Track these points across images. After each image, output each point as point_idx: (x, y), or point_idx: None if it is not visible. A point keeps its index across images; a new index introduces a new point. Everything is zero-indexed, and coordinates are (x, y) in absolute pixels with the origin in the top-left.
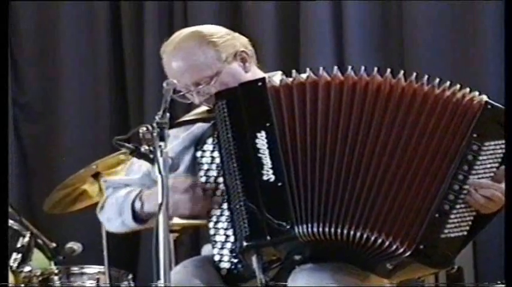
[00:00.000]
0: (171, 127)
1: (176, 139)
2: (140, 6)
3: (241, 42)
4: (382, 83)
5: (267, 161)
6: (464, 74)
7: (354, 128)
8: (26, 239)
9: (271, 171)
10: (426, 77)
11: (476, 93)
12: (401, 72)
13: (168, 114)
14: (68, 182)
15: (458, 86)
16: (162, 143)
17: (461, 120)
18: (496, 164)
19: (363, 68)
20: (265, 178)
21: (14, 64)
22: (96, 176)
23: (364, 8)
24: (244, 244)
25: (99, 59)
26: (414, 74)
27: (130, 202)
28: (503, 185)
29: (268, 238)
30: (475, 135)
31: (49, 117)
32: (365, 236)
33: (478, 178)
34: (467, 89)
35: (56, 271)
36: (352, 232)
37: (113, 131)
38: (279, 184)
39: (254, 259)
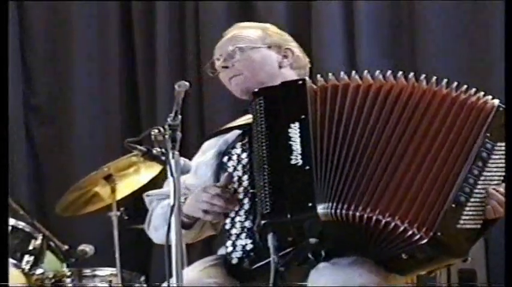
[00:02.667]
0: (207, 138)
1: (208, 150)
2: (151, 6)
3: (291, 43)
4: (404, 86)
5: (297, 148)
6: (475, 72)
7: (379, 123)
8: (38, 241)
9: (300, 156)
10: (445, 80)
11: (489, 97)
12: (423, 76)
13: (180, 117)
14: (80, 185)
15: (473, 89)
16: (174, 145)
17: (475, 120)
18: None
19: (389, 72)
20: (293, 162)
21: (26, 67)
22: (108, 178)
23: (375, 7)
24: (263, 221)
25: (110, 61)
26: (434, 78)
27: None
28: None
29: (289, 216)
30: (488, 134)
31: (61, 120)
32: (384, 220)
33: (491, 175)
34: (481, 93)
35: (68, 273)
36: (371, 215)
37: (125, 133)
38: (306, 167)
39: (270, 236)
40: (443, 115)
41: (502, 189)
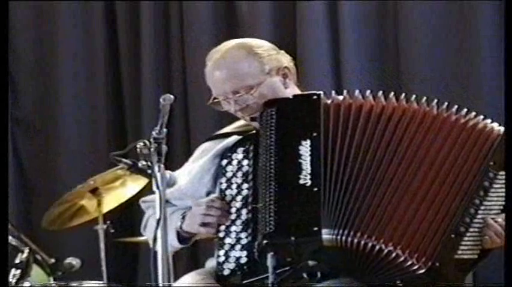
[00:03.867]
0: (206, 141)
1: (207, 153)
2: (136, 7)
3: (286, 59)
4: (417, 110)
5: (306, 167)
6: (461, 73)
7: (389, 149)
8: (25, 255)
9: (309, 176)
10: (455, 107)
11: (495, 124)
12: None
13: (165, 130)
14: (66, 198)
15: (481, 117)
16: (159, 158)
17: (480, 149)
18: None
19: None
20: (301, 181)
21: (10, 79)
22: (94, 191)
23: (360, 7)
24: (265, 241)
25: (96, 74)
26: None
27: (174, 224)
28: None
29: (293, 238)
30: (491, 163)
31: (46, 133)
32: (386, 249)
33: (491, 204)
34: (481, 117)
35: None
36: (375, 244)
37: (111, 146)
38: (315, 189)
39: (269, 256)
40: (450, 143)
41: (500, 219)
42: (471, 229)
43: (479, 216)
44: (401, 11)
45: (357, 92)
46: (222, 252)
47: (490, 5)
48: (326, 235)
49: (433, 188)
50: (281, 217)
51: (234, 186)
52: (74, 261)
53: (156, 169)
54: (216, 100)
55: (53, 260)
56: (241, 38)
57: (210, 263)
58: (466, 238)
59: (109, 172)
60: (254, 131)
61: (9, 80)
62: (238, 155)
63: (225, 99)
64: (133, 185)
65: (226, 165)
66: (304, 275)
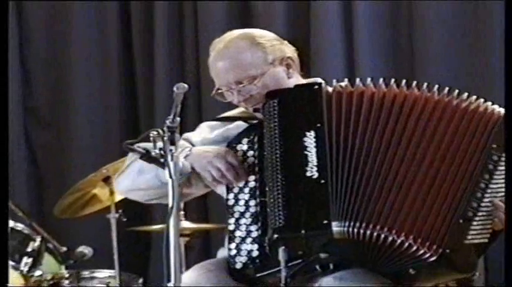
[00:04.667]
0: (213, 120)
1: (212, 131)
2: (150, 7)
3: (289, 49)
4: (419, 96)
5: (312, 159)
6: (475, 73)
7: (394, 136)
8: (37, 243)
9: (315, 168)
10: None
11: (495, 106)
12: (425, 84)
13: (178, 119)
14: (79, 187)
15: (474, 97)
16: (173, 147)
17: (483, 132)
18: None
19: (392, 80)
20: (308, 174)
21: (24, 70)
22: (107, 180)
23: (375, 7)
24: (276, 235)
25: (109, 63)
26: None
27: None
28: None
29: (303, 231)
30: (494, 145)
31: (59, 122)
32: (396, 239)
33: (497, 187)
34: (482, 100)
35: (67, 275)
36: (387, 235)
37: (123, 135)
38: (322, 181)
39: (281, 250)
40: (453, 129)
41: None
42: (479, 213)
43: (486, 199)
44: (415, 11)
45: (357, 80)
46: (233, 245)
47: (503, 3)
48: (336, 227)
49: (439, 175)
50: (290, 210)
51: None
52: (85, 250)
53: (169, 157)
54: (219, 91)
55: (64, 249)
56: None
57: (222, 253)
58: (474, 223)
59: (122, 160)
60: (258, 121)
61: (24, 71)
62: (244, 146)
63: (228, 89)
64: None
65: None
66: (317, 267)
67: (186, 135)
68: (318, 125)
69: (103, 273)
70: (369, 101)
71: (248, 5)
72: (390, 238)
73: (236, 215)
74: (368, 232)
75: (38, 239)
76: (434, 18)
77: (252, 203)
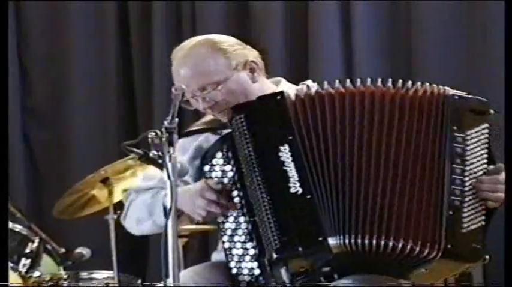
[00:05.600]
0: (180, 137)
1: (186, 151)
2: (148, 8)
3: (252, 53)
4: (375, 92)
5: (292, 174)
6: (473, 72)
7: (364, 135)
8: (35, 244)
9: (298, 183)
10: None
11: (440, 87)
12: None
13: (176, 120)
14: (77, 188)
15: (418, 83)
16: (171, 148)
17: (436, 115)
18: (485, 150)
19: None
20: (292, 190)
21: (23, 70)
22: (105, 181)
23: (373, 6)
24: (275, 256)
25: (108, 64)
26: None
27: (161, 201)
28: (501, 178)
29: (300, 249)
30: (454, 127)
31: (58, 123)
32: (396, 245)
33: (474, 167)
34: (427, 84)
35: (65, 276)
36: (383, 242)
37: (122, 136)
38: (308, 197)
39: (283, 271)
40: (410, 120)
41: (485, 177)
42: (466, 199)
43: (467, 183)
44: (413, 10)
45: (311, 83)
46: (232, 264)
47: (501, 3)
48: (332, 241)
49: (415, 172)
50: (283, 230)
51: (224, 193)
52: (84, 251)
53: (167, 158)
54: (185, 99)
55: (63, 250)
56: (254, 37)
57: (217, 256)
58: (465, 210)
59: (120, 161)
60: (227, 131)
61: (21, 71)
62: (219, 160)
63: (193, 97)
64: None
65: (210, 171)
66: (321, 279)
67: None
68: (290, 137)
69: (101, 274)
70: (330, 104)
71: (246, 4)
72: (391, 244)
73: (228, 232)
74: (366, 241)
75: (37, 240)
76: (432, 18)
77: (242, 219)
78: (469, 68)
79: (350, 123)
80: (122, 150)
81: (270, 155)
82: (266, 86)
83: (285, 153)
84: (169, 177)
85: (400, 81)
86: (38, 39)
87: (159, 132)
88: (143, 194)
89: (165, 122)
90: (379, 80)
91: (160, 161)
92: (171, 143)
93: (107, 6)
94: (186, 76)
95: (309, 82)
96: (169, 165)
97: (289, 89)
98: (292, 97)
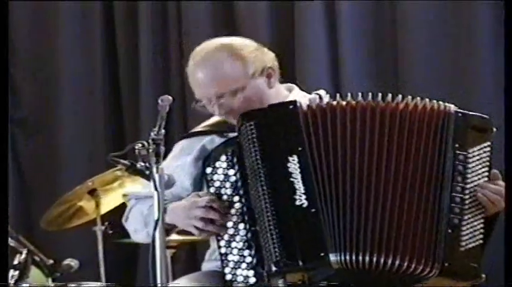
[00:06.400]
0: (183, 138)
1: (190, 152)
2: (134, 7)
3: (268, 58)
4: (380, 106)
5: (299, 186)
6: (459, 73)
7: (369, 154)
8: (23, 256)
9: (304, 196)
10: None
11: (437, 102)
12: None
13: (163, 131)
14: (65, 199)
15: (418, 98)
16: (157, 159)
17: (435, 133)
18: (486, 168)
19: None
20: (297, 203)
21: (10, 79)
22: (92, 192)
23: (358, 6)
24: (274, 268)
25: (95, 75)
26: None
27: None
28: (500, 182)
29: (301, 263)
30: (457, 145)
31: (45, 133)
32: (395, 262)
33: (474, 185)
34: (427, 100)
35: None
36: (382, 259)
37: (109, 147)
38: (312, 210)
39: (281, 283)
40: (409, 139)
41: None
42: (465, 217)
43: (467, 201)
44: (398, 10)
45: (323, 93)
46: (227, 270)
47: (487, 3)
48: (333, 257)
49: (416, 189)
50: (284, 242)
51: (224, 197)
52: (72, 262)
53: (154, 170)
54: (201, 103)
55: (51, 261)
56: (239, 37)
57: (208, 265)
58: (464, 228)
59: (107, 172)
60: (233, 135)
61: (10, 82)
62: (223, 163)
63: (209, 102)
64: (132, 186)
65: (212, 173)
66: None
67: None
68: (300, 148)
69: (90, 285)
70: (342, 117)
71: (231, 4)
72: (389, 261)
73: (226, 237)
74: (367, 259)
75: (24, 252)
76: (417, 18)
77: (241, 226)
78: (454, 68)
79: (360, 138)
80: (109, 161)
81: (278, 165)
82: (280, 92)
83: (293, 164)
84: (156, 188)
85: (400, 96)
86: (26, 50)
87: (145, 144)
88: (142, 202)
89: (152, 134)
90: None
91: (147, 172)
92: (157, 155)
93: (93, 6)
94: (203, 81)
95: (322, 92)
96: (156, 176)
97: (302, 98)
98: (304, 107)
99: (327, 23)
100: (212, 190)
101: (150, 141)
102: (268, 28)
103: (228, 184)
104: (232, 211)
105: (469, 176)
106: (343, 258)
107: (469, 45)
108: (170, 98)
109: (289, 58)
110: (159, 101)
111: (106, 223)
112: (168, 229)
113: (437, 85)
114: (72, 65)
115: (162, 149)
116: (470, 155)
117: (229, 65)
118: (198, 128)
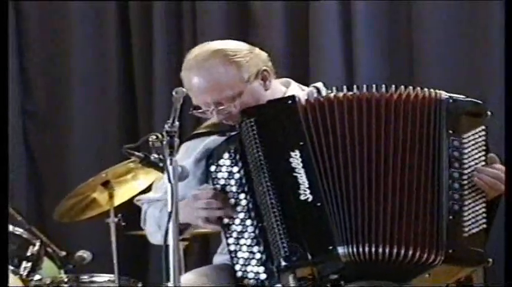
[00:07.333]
0: (186, 140)
1: (191, 153)
2: (148, 7)
3: (262, 59)
4: (377, 97)
5: (303, 181)
6: (475, 72)
7: (368, 146)
8: (36, 247)
9: (308, 191)
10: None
11: (429, 90)
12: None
13: (177, 123)
14: (78, 191)
15: (410, 87)
16: (171, 151)
17: (428, 121)
18: (483, 152)
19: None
20: (302, 197)
21: (23, 73)
22: (106, 184)
23: (373, 6)
24: (283, 263)
25: (108, 67)
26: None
27: (166, 214)
28: (497, 166)
29: (310, 257)
30: (451, 131)
31: (58, 126)
32: (400, 252)
33: (472, 170)
34: (418, 89)
35: (66, 280)
36: (388, 250)
37: (123, 139)
38: (318, 204)
39: (291, 278)
40: (403, 127)
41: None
42: (465, 203)
43: (466, 187)
44: (414, 10)
45: (321, 86)
46: (238, 267)
47: (502, 3)
48: (342, 250)
49: (414, 178)
50: (292, 237)
51: (230, 194)
52: (85, 254)
53: (168, 162)
54: (199, 110)
55: (64, 253)
56: (254, 37)
57: (219, 258)
58: (465, 214)
59: (121, 165)
60: (234, 133)
61: (22, 74)
62: (226, 161)
63: (207, 109)
64: (145, 178)
65: (216, 171)
66: (328, 286)
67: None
68: (301, 143)
69: (102, 277)
70: (340, 109)
71: (247, 4)
72: (394, 251)
73: (234, 234)
74: (373, 250)
75: (37, 243)
76: (433, 18)
77: (249, 222)
78: (469, 68)
79: (359, 130)
80: (122, 152)
81: (281, 161)
82: (277, 90)
83: (295, 159)
84: (170, 180)
85: (393, 86)
86: (39, 43)
87: (159, 136)
88: (153, 206)
89: (166, 126)
90: (377, 85)
91: (161, 164)
92: (171, 146)
93: (107, 7)
94: (199, 88)
95: (319, 84)
96: (170, 168)
97: (299, 92)
98: (303, 102)
99: (341, 23)
100: (217, 187)
101: (164, 133)
102: (282, 28)
103: (232, 181)
104: (239, 208)
105: (465, 161)
106: (351, 250)
107: (484, 45)
108: (184, 90)
109: (303, 58)
110: (174, 93)
111: (119, 215)
112: (182, 229)
113: (452, 85)
114: (86, 58)
115: (176, 141)
116: (465, 141)
117: (224, 72)
118: (200, 130)
